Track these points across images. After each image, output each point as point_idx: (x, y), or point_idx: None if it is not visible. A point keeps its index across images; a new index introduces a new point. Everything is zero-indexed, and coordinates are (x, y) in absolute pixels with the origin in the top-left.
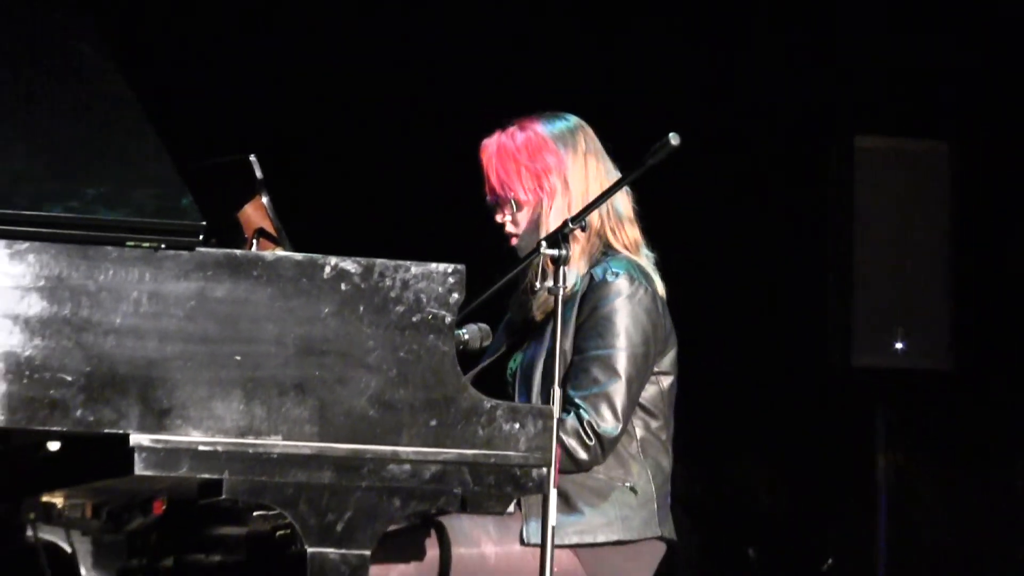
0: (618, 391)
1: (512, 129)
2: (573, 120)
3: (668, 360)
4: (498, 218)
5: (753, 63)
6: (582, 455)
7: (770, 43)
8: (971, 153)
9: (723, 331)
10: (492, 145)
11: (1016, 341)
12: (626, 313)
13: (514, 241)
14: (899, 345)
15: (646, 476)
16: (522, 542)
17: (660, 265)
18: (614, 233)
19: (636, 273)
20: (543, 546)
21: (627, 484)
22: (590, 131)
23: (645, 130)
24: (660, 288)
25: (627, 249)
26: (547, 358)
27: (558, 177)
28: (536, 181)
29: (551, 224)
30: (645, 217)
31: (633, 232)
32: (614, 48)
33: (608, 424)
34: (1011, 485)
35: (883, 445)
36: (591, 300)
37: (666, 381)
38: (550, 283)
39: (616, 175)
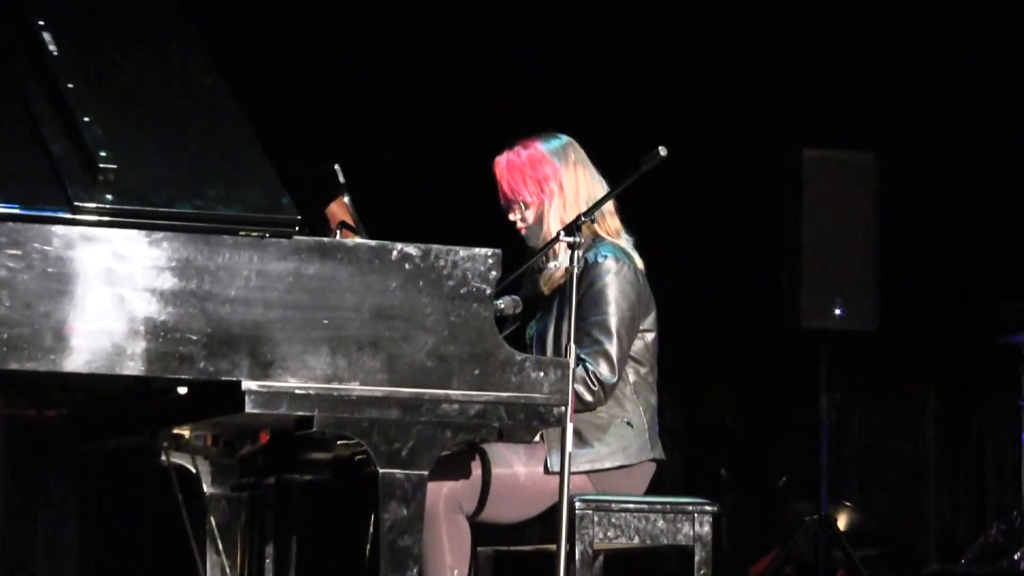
0: (613, 347)
1: (518, 147)
2: (565, 138)
3: (650, 320)
4: (510, 216)
5: (728, 87)
6: (588, 398)
7: (745, 69)
8: (893, 162)
9: (701, 300)
10: (503, 160)
11: (927, 309)
12: (615, 287)
13: (524, 233)
14: (838, 311)
15: (639, 412)
16: (546, 469)
17: (651, 249)
18: (600, 224)
19: (620, 254)
20: (561, 468)
21: (624, 420)
22: (578, 146)
23: (639, 139)
24: (639, 264)
25: (610, 235)
26: (558, 322)
27: (555, 183)
28: (538, 187)
29: (551, 219)
30: (641, 212)
31: (614, 222)
32: (605, 64)
33: (607, 373)
34: (921, 420)
35: (825, 388)
36: (587, 278)
37: (649, 336)
38: (556, 263)
39: (599, 179)
